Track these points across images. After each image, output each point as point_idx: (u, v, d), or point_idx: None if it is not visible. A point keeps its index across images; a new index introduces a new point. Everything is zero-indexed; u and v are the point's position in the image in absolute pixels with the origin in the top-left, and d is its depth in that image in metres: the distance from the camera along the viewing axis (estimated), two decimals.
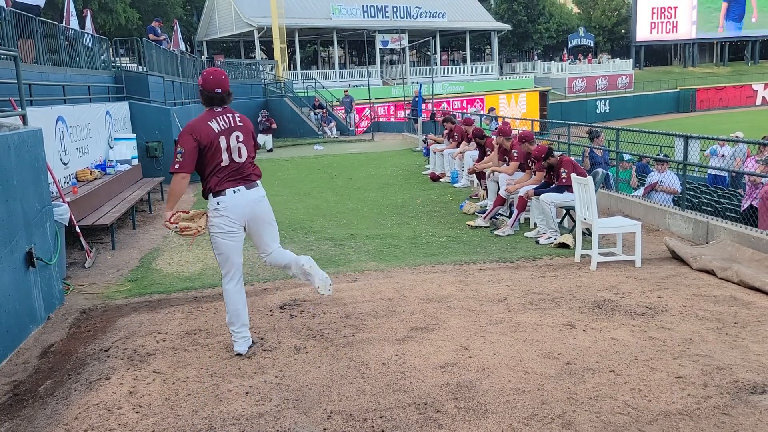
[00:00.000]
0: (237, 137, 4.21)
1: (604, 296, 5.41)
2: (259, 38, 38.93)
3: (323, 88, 29.96)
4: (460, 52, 56.52)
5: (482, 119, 18.04)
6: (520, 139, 8.72)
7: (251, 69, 29.77)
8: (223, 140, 4.16)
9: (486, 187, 9.94)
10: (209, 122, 4.17)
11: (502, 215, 8.96)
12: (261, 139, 21.11)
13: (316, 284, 4.66)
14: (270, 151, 20.96)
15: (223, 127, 4.20)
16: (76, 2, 20.39)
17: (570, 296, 5.44)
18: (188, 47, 36.02)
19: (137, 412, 3.60)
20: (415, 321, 4.90)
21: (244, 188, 4.23)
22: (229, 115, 4.24)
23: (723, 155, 11.55)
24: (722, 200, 9.75)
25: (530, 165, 8.72)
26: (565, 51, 56.80)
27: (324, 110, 25.59)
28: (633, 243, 6.48)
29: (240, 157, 4.23)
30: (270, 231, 4.47)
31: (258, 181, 4.33)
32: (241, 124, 4.27)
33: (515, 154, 9.16)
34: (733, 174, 11.16)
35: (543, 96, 47.31)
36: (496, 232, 8.38)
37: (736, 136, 11.36)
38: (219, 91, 4.20)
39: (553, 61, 55.79)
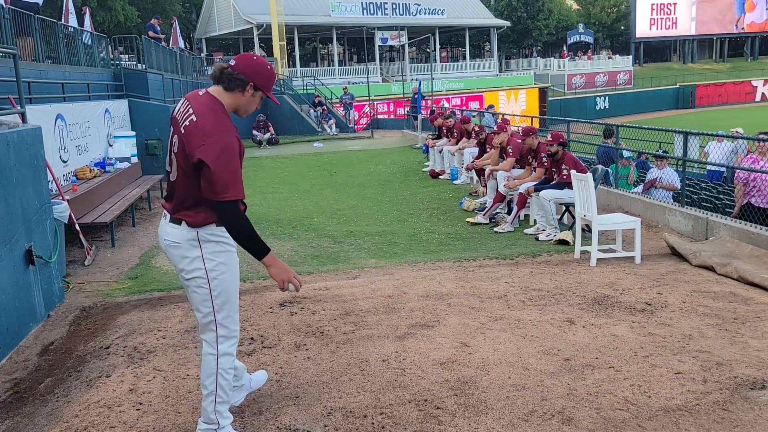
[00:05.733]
0: (174, 143, 2.92)
1: (603, 293, 5.41)
2: (258, 35, 38.86)
3: (323, 85, 29.92)
4: (460, 48, 56.49)
5: (482, 118, 18.04)
6: (524, 133, 8.71)
7: None
8: (172, 131, 2.98)
9: (486, 184, 9.95)
10: (181, 100, 3.05)
11: (500, 212, 8.96)
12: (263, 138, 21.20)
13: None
14: (262, 144, 21.02)
15: (177, 116, 2.96)
16: (75, 0, 20.35)
17: (570, 293, 5.44)
18: (187, 45, 35.98)
19: (138, 410, 3.60)
20: (414, 318, 4.90)
21: (167, 218, 3.00)
22: (191, 108, 2.89)
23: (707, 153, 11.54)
24: (721, 196, 9.75)
25: (530, 161, 8.72)
26: (565, 48, 56.75)
27: (323, 107, 25.58)
28: (632, 239, 6.49)
29: (171, 169, 2.96)
30: (193, 299, 3.05)
31: (181, 221, 2.91)
32: (183, 131, 2.84)
33: (510, 151, 9.18)
34: (733, 170, 11.15)
35: (542, 93, 47.25)
36: (495, 229, 8.38)
37: (737, 132, 11.36)
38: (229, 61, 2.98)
39: (552, 58, 55.74)
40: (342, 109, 27.75)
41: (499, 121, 12.35)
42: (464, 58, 51.47)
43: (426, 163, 14.87)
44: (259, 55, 2.99)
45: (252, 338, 4.59)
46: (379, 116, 32.07)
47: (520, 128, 10.17)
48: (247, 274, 6.38)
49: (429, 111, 20.73)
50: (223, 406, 3.12)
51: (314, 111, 25.31)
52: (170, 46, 20.77)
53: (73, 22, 13.99)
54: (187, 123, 2.85)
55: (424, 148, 16.53)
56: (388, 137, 23.03)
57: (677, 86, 53.34)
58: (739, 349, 4.15)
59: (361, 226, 9.03)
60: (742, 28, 61.46)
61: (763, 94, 54.99)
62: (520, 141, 9.18)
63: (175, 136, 2.92)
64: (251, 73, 2.89)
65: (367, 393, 3.69)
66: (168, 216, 2.98)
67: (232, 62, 2.91)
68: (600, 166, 8.38)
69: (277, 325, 4.85)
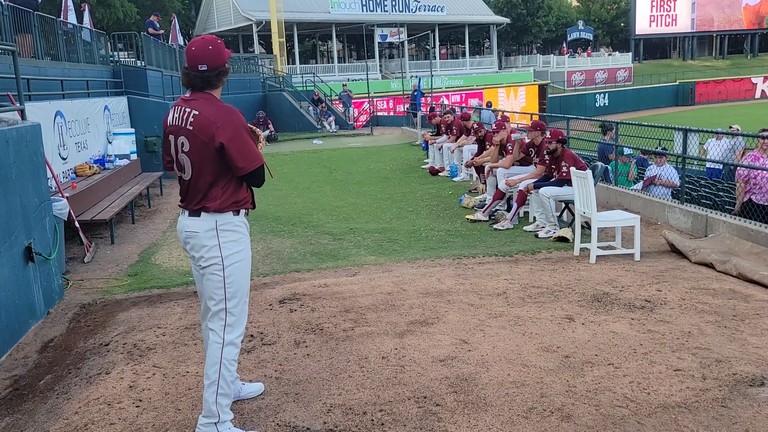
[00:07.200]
0: (182, 144, 3.11)
1: (603, 290, 5.41)
2: (257, 32, 38.83)
3: (322, 82, 29.90)
4: (459, 45, 56.44)
5: (481, 115, 18.03)
6: (532, 125, 8.74)
7: (250, 63, 29.70)
8: (172, 140, 3.17)
9: (485, 181, 9.95)
10: (170, 110, 3.22)
11: (500, 209, 8.96)
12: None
13: None
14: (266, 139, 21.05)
15: (175, 122, 3.15)
16: None
17: (569, 290, 5.44)
18: (186, 41, 35.94)
19: (137, 407, 3.61)
20: (414, 315, 4.90)
21: (185, 213, 3.21)
22: (188, 108, 3.10)
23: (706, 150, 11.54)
24: (721, 193, 9.75)
25: (531, 155, 8.72)
26: (564, 45, 56.69)
27: (323, 105, 25.55)
28: (632, 236, 6.49)
29: (184, 172, 3.16)
30: (206, 287, 3.22)
31: (200, 212, 3.14)
32: (191, 128, 3.06)
33: (510, 148, 9.19)
34: (732, 167, 11.14)
35: (542, 90, 47.27)
36: (495, 226, 8.38)
37: (737, 129, 11.35)
38: (193, 67, 3.12)
39: (552, 55, 55.71)
40: (341, 106, 27.73)
41: (498, 118, 12.35)
42: (464, 55, 51.43)
43: (425, 160, 14.86)
44: (202, 39, 3.16)
45: (251, 335, 4.59)
46: (379, 113, 32.06)
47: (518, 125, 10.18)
48: None
49: (428, 108, 20.72)
50: (225, 399, 3.18)
51: (314, 108, 25.30)
52: (169, 43, 20.74)
53: (72, 19, 13.96)
54: (191, 119, 3.07)
55: (423, 145, 16.53)
56: (388, 134, 23.03)
57: (677, 83, 53.32)
58: (739, 346, 4.15)
59: (360, 223, 9.03)
60: (740, 18, 61.32)
61: (762, 91, 55.00)
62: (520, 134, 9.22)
63: (181, 137, 3.11)
64: (222, 58, 3.13)
65: (366, 390, 3.70)
66: (186, 212, 3.20)
67: (204, 67, 3.08)
68: (599, 163, 8.38)
69: (277, 322, 4.85)
